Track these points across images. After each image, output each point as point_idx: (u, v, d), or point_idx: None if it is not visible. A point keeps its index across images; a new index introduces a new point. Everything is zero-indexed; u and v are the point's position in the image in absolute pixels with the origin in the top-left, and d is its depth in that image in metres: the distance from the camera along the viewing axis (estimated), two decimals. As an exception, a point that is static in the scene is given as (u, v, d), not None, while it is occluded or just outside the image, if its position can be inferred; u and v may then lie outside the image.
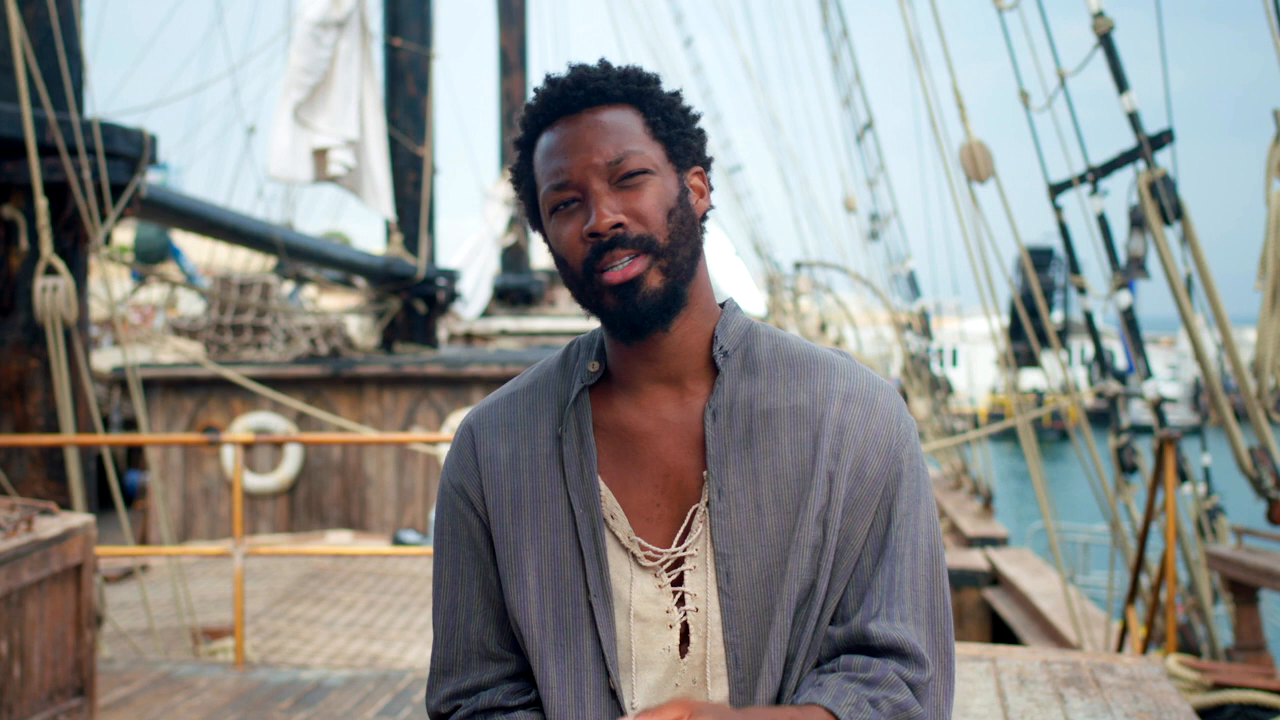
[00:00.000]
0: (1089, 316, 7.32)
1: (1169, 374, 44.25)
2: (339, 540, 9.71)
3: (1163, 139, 5.99)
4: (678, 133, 1.36)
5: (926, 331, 15.98)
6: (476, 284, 15.30)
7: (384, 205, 10.45)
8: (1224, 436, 5.72)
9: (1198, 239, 5.79)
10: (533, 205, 1.39)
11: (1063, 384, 8.60)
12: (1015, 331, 18.27)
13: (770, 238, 24.48)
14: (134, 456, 13.58)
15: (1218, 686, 4.65)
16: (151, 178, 7.38)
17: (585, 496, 1.37)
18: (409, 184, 11.89)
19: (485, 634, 1.41)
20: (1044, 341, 12.28)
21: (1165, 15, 6.22)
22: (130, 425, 13.19)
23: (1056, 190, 7.07)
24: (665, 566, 1.36)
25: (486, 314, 17.08)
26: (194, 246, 16.57)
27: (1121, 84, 6.17)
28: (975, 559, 10.57)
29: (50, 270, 5.55)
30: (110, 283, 6.34)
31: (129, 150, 6.05)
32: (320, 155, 9.49)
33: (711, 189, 1.41)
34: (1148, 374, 6.65)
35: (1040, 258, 27.36)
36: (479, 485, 1.42)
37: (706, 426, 1.35)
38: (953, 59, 7.12)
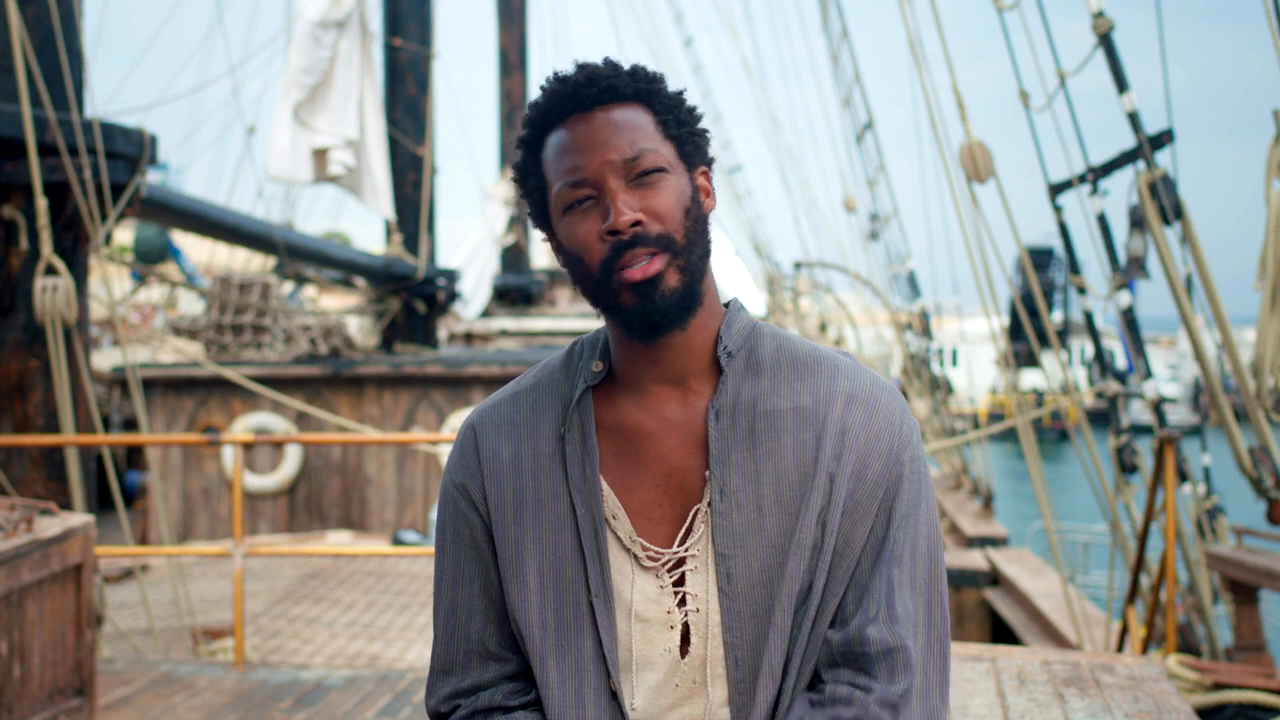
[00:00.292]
0: (1089, 316, 7.32)
1: (1169, 374, 44.25)
2: (339, 540, 9.71)
3: (1163, 139, 5.99)
4: (687, 132, 1.36)
5: (926, 331, 15.97)
6: (476, 284, 15.30)
7: (384, 205, 10.45)
8: (1224, 436, 5.72)
9: (1198, 239, 5.79)
10: (540, 204, 1.38)
11: (1063, 384, 8.59)
12: (1015, 331, 18.27)
13: (770, 238, 24.52)
14: (134, 456, 13.58)
15: (1218, 686, 4.65)
16: (151, 178, 7.38)
17: (587, 496, 1.36)
18: (409, 184, 11.89)
19: (486, 634, 1.41)
20: (1044, 341, 12.27)
21: (1165, 15, 6.23)
22: (130, 425, 13.19)
23: (1056, 190, 7.07)
24: (666, 567, 1.35)
25: (486, 314, 17.08)
26: (194, 246, 16.57)
27: (1121, 84, 6.17)
28: (975, 559, 10.57)
29: (50, 270, 5.55)
30: (110, 283, 6.34)
31: (129, 150, 6.05)
32: (320, 155, 9.49)
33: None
34: (1148, 374, 6.65)
35: (1040, 258, 27.36)
36: (481, 485, 1.41)
37: (709, 426, 1.35)
38: (953, 59, 7.12)
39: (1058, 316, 26.11)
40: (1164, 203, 5.82)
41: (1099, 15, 6.21)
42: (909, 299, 16.10)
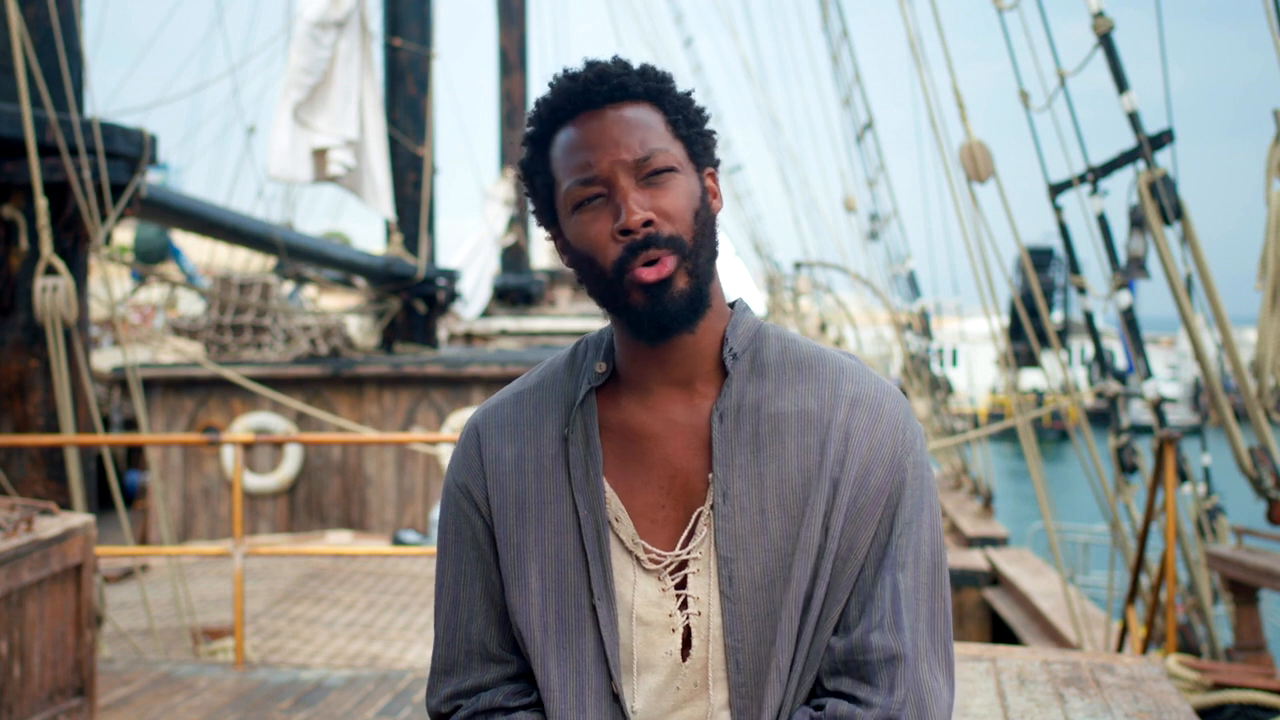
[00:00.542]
0: (1089, 316, 7.33)
1: (1169, 374, 44.26)
2: (339, 540, 9.71)
3: (1163, 139, 5.99)
4: (696, 132, 1.35)
5: (926, 331, 15.98)
6: (476, 284, 15.30)
7: (384, 205, 10.45)
8: (1224, 436, 5.72)
9: (1198, 239, 5.79)
10: (547, 201, 1.37)
11: (1063, 384, 8.60)
12: (1015, 331, 18.26)
13: (770, 238, 24.54)
14: (134, 456, 13.58)
15: (1218, 686, 4.65)
16: (151, 178, 7.38)
17: (590, 499, 1.36)
18: (409, 184, 11.89)
19: (487, 635, 1.41)
20: (1044, 341, 12.27)
21: (1165, 15, 6.23)
22: (130, 425, 13.19)
23: (1056, 190, 7.07)
24: (669, 570, 1.35)
25: (486, 314, 17.08)
26: (194, 246, 16.57)
27: (1121, 84, 6.17)
28: (975, 559, 10.57)
29: (50, 270, 5.55)
30: (110, 283, 6.34)
31: (129, 150, 6.05)
32: (320, 155, 9.49)
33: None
34: (1148, 374, 6.65)
35: (1040, 258, 27.36)
36: (484, 486, 1.41)
37: (713, 429, 1.34)
38: (953, 59, 7.12)
39: (1058, 316, 26.10)
40: (1164, 203, 5.82)
41: (1099, 15, 6.21)
42: (909, 299, 16.11)
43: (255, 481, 10.16)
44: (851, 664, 1.31)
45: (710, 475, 1.34)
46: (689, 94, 1.37)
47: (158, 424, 10.18)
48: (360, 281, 12.81)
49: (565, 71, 1.35)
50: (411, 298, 11.96)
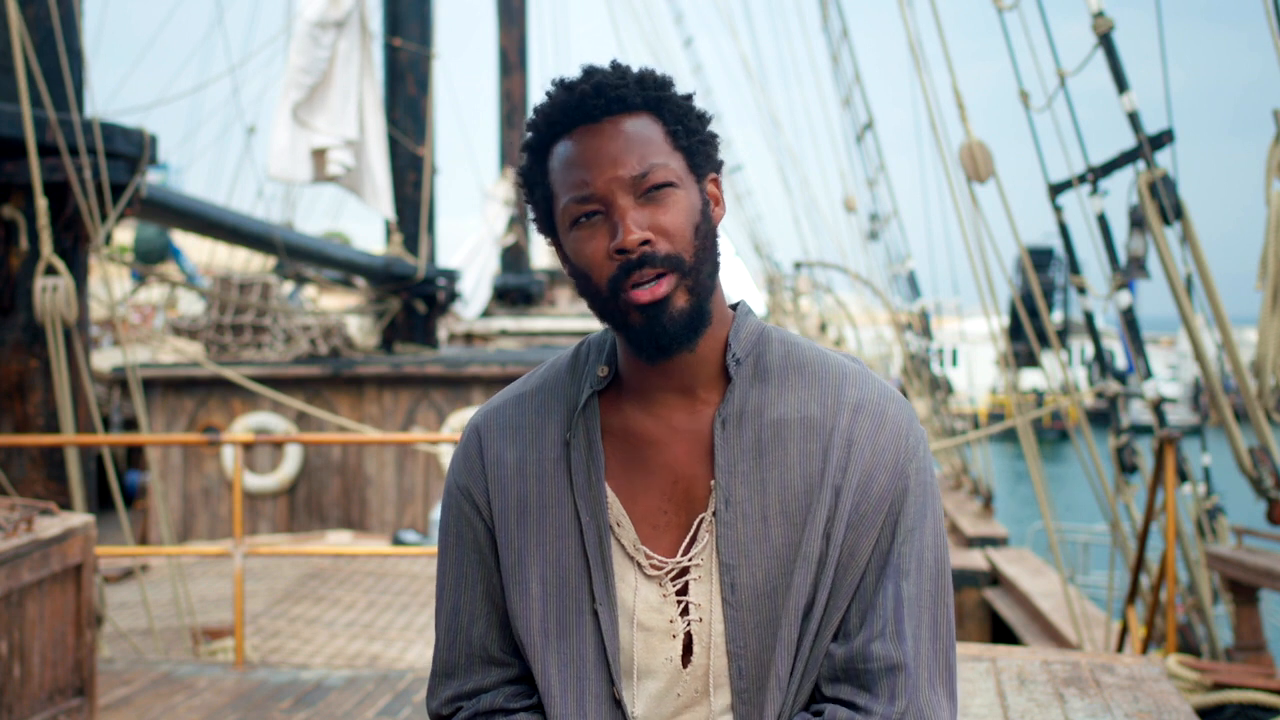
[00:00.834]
0: (1089, 316, 7.33)
1: (1169, 374, 44.26)
2: (339, 540, 9.71)
3: (1163, 139, 5.99)
4: (697, 141, 1.33)
5: (926, 331, 15.98)
6: (476, 284, 15.30)
7: (384, 205, 10.45)
8: (1224, 436, 5.72)
9: (1198, 239, 5.79)
10: (547, 214, 1.35)
11: (1063, 384, 8.60)
12: (1015, 331, 18.26)
13: (770, 238, 24.54)
14: (134, 456, 13.58)
15: (1218, 686, 4.65)
16: (151, 178, 7.38)
17: (592, 504, 1.35)
18: (409, 184, 11.89)
19: (488, 639, 1.40)
20: (1044, 341, 12.27)
21: (1165, 15, 6.23)
22: (130, 425, 13.18)
23: (1056, 190, 7.07)
24: (670, 576, 1.34)
25: (486, 314, 17.07)
26: (194, 246, 16.57)
27: (1121, 84, 6.17)
28: (975, 559, 10.57)
29: (50, 270, 5.55)
30: (110, 283, 6.34)
31: (129, 150, 6.05)
32: (319, 155, 9.49)
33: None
34: (1148, 374, 6.65)
35: (1040, 258, 27.36)
36: (485, 489, 1.40)
37: (715, 435, 1.33)
38: (953, 59, 7.12)
39: (1058, 316, 26.11)
40: (1164, 203, 5.82)
41: (1099, 15, 6.21)
42: (909, 299, 16.11)
43: (255, 481, 10.16)
44: (852, 672, 1.30)
45: (712, 482, 1.33)
46: (689, 99, 1.34)
47: (158, 424, 10.18)
48: (360, 281, 12.81)
49: (562, 81, 1.32)
50: (411, 298, 11.96)
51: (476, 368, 10.38)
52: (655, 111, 1.31)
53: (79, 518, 4.07)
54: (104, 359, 12.13)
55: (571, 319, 17.98)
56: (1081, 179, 6.75)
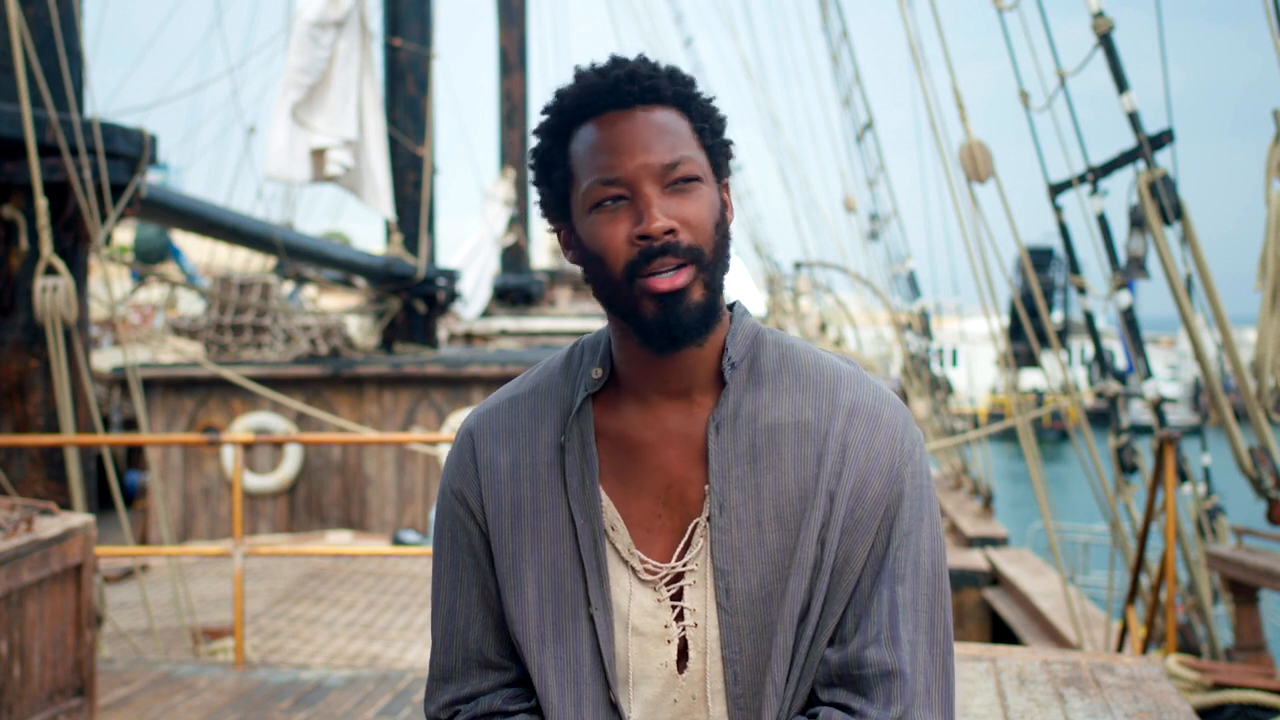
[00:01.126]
0: (1089, 316, 7.33)
1: (1169, 374, 44.27)
2: (339, 540, 9.71)
3: (1163, 139, 5.99)
4: (718, 142, 1.32)
5: (926, 331, 15.98)
6: (476, 284, 15.29)
7: (384, 205, 10.45)
8: (1224, 436, 5.72)
9: (1198, 239, 5.80)
10: (561, 196, 1.33)
11: (1063, 384, 8.60)
12: (1015, 331, 18.27)
13: (770, 238, 24.53)
14: (134, 456, 13.58)
15: (1218, 686, 4.65)
16: (151, 178, 7.38)
17: (586, 507, 1.34)
18: (409, 184, 11.89)
19: (484, 642, 1.40)
20: (1044, 341, 12.27)
21: (1165, 15, 6.23)
22: (130, 425, 13.18)
23: (1056, 190, 7.07)
24: (665, 581, 1.34)
25: (486, 314, 17.07)
26: (194, 246, 16.57)
27: (1121, 84, 6.17)
28: (975, 559, 10.57)
29: (50, 270, 5.55)
30: (110, 283, 6.34)
31: (129, 150, 6.05)
32: (318, 155, 9.48)
33: None
34: (1148, 374, 6.65)
35: (1040, 258, 27.36)
36: (479, 493, 1.39)
37: (710, 439, 1.32)
38: (953, 59, 7.12)
39: (1058, 316, 26.10)
40: (1164, 203, 5.82)
41: (1099, 15, 6.21)
42: (909, 299, 16.11)
43: (255, 481, 10.16)
44: (847, 677, 1.29)
45: (706, 486, 1.32)
46: (712, 101, 1.33)
47: (158, 424, 10.18)
48: (360, 281, 12.81)
49: (593, 66, 1.31)
50: (411, 298, 11.96)
51: (476, 368, 10.38)
52: (683, 108, 1.31)
53: (79, 518, 4.07)
54: (104, 359, 12.13)
55: (571, 319, 17.98)
56: (1081, 179, 6.75)
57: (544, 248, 23.18)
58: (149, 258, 15.50)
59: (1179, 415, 36.94)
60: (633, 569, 1.34)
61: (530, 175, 1.37)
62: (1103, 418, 7.61)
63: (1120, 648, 5.99)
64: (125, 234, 17.59)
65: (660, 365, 1.33)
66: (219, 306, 11.22)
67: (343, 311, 13.23)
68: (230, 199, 14.23)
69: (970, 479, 13.75)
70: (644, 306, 1.26)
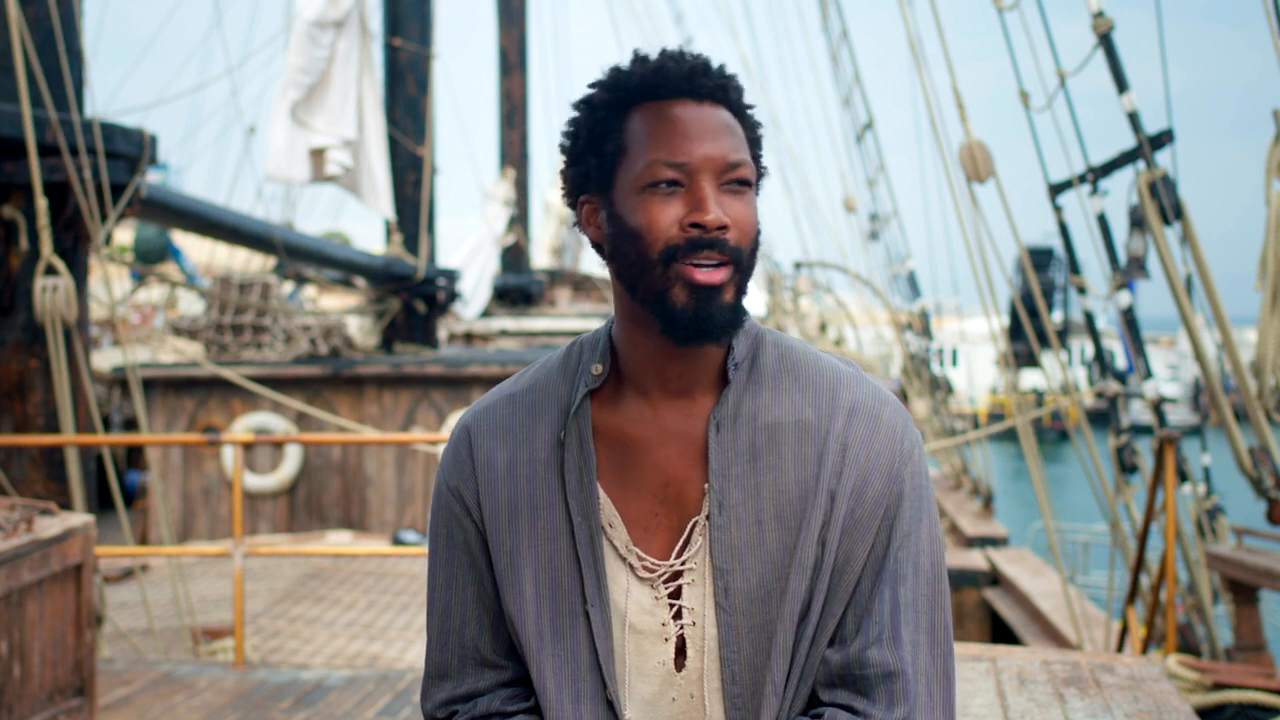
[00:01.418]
0: (1089, 316, 7.33)
1: (1169, 374, 44.28)
2: (339, 540, 9.71)
3: (1163, 139, 5.99)
4: (759, 154, 1.34)
5: (926, 331, 15.98)
6: (476, 284, 15.29)
7: (384, 205, 10.45)
8: (1224, 436, 5.72)
9: (1198, 239, 5.80)
10: (607, 169, 1.31)
11: (1063, 384, 8.60)
12: (1015, 331, 18.27)
13: (770, 238, 24.50)
14: (134, 456, 13.58)
15: (1218, 686, 4.65)
16: (151, 178, 7.38)
17: (583, 504, 1.34)
18: (409, 184, 11.89)
19: (481, 641, 1.40)
20: (1044, 341, 12.27)
21: (1165, 15, 6.23)
22: (130, 425, 13.18)
23: (1056, 190, 7.07)
24: (662, 579, 1.34)
25: (486, 314, 17.07)
26: (194, 246, 16.57)
27: (1121, 84, 6.18)
28: (975, 559, 10.58)
29: (50, 270, 5.55)
30: (110, 283, 6.34)
31: (129, 150, 6.05)
32: (318, 155, 9.49)
33: None
34: (1148, 374, 6.65)
35: (1040, 258, 27.37)
36: (475, 491, 1.39)
37: (710, 438, 1.32)
38: (953, 59, 7.13)
39: (1058, 316, 26.11)
40: (1164, 203, 5.82)
41: (1099, 15, 6.21)
42: (909, 299, 16.11)
43: (255, 481, 10.16)
44: (849, 678, 1.29)
45: (705, 485, 1.32)
46: (756, 117, 1.35)
47: (158, 424, 10.18)
48: (360, 281, 12.82)
49: (664, 51, 1.31)
50: (411, 298, 11.96)
51: (476, 368, 10.38)
52: (739, 115, 1.32)
53: (79, 518, 4.07)
54: (104, 359, 12.13)
55: (571, 319, 17.98)
56: (1081, 179, 6.75)
57: (544, 248, 23.19)
58: (149, 258, 15.50)
59: (1179, 415, 36.94)
60: (630, 566, 1.34)
61: (565, 144, 1.35)
62: (1103, 418, 7.61)
63: (1120, 648, 5.99)
64: (125, 234, 17.58)
65: (670, 361, 1.32)
66: (219, 306, 11.22)
67: (343, 311, 13.23)
68: (230, 199, 14.24)
69: (970, 479, 13.75)
70: (675, 293, 1.26)
